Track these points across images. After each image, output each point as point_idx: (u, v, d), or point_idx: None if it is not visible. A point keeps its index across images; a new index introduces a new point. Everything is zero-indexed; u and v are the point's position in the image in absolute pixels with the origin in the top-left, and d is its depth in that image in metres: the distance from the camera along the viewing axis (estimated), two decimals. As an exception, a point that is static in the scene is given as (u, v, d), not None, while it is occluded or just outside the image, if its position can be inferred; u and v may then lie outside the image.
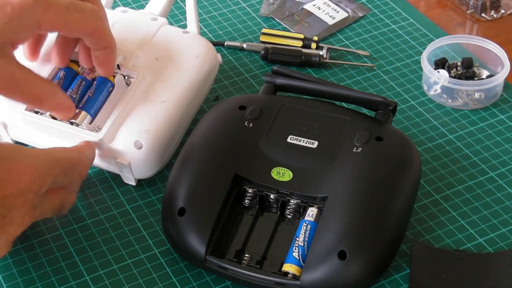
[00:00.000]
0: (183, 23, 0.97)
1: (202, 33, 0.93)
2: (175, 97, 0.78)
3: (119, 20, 0.84)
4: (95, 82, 0.77)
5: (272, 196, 0.70)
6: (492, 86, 0.85)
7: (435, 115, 0.85)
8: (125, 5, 1.01)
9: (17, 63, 0.68)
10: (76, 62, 0.82)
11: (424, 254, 0.70)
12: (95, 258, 0.72)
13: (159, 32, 0.83)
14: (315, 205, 0.69)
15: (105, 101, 0.77)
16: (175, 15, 1.00)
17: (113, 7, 0.89)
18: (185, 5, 0.89)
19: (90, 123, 0.76)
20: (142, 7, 0.97)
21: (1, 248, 0.65)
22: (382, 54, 0.93)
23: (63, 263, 0.72)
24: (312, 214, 0.68)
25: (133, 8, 0.98)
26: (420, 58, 0.89)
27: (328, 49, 0.93)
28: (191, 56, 0.82)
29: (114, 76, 0.78)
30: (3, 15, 0.65)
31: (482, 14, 0.98)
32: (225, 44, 0.95)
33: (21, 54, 0.75)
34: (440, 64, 0.89)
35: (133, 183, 0.78)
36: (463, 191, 0.77)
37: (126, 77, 0.79)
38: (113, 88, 0.78)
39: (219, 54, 0.85)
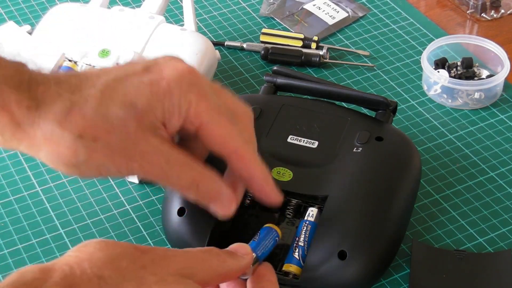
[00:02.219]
0: (178, 18, 0.97)
1: (202, 33, 0.93)
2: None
3: (116, 19, 0.84)
4: (259, 233, 0.64)
5: (272, 196, 0.70)
6: (492, 86, 0.85)
7: (435, 115, 0.85)
8: (121, 3, 1.01)
9: (171, 143, 0.59)
10: (76, 62, 0.81)
11: (424, 254, 0.70)
12: (95, 258, 0.72)
13: (157, 30, 0.83)
14: (315, 205, 0.69)
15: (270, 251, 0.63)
16: (173, 14, 1.00)
17: (110, 6, 0.89)
18: (182, 1, 0.89)
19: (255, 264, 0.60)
20: (138, 6, 0.98)
21: None
22: (382, 54, 0.93)
23: (63, 263, 0.72)
24: (312, 214, 0.68)
25: (130, 7, 0.98)
26: (420, 58, 0.89)
27: (328, 49, 0.93)
28: (190, 53, 0.82)
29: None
30: (157, 90, 0.57)
31: (482, 14, 0.98)
32: (225, 44, 0.95)
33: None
34: (440, 64, 0.89)
35: (136, 181, 0.78)
36: (463, 191, 0.77)
37: (126, 77, 0.79)
38: (279, 238, 0.64)
39: (217, 51, 0.85)
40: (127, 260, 0.51)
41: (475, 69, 0.89)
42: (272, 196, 0.64)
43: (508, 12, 0.99)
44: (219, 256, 0.55)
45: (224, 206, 0.62)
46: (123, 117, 0.56)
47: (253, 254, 0.59)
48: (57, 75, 0.58)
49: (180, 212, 0.69)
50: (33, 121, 0.56)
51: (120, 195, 0.78)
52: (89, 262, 0.50)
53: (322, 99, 0.78)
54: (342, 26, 0.97)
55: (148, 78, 0.58)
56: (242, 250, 0.58)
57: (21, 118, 0.56)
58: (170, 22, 0.97)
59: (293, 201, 0.70)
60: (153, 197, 0.77)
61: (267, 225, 0.65)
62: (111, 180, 0.79)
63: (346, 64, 0.92)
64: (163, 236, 0.73)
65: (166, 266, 0.52)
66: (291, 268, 0.66)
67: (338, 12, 0.99)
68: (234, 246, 0.58)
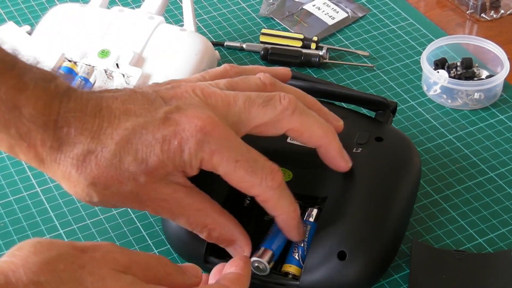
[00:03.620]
0: (177, 19, 0.97)
1: (202, 34, 0.93)
2: (175, 96, 0.78)
3: (116, 20, 0.84)
4: (273, 224, 0.67)
5: (272, 197, 0.70)
6: (491, 86, 0.85)
7: (434, 115, 0.85)
8: (121, 4, 1.01)
9: (187, 190, 0.62)
10: (75, 62, 0.82)
11: (424, 254, 0.70)
12: (95, 258, 0.72)
13: (157, 30, 0.84)
14: (315, 206, 0.69)
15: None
16: (172, 14, 1.00)
17: (109, 6, 0.89)
18: (181, 2, 0.89)
19: (270, 261, 0.66)
20: (138, 6, 0.98)
21: None
22: (381, 54, 0.93)
23: (63, 263, 0.72)
24: (312, 215, 0.68)
25: (130, 7, 0.98)
26: (419, 58, 0.89)
27: (328, 49, 0.93)
28: (189, 53, 0.82)
29: None
30: (168, 148, 0.59)
31: (481, 14, 0.98)
32: (225, 44, 0.95)
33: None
34: (439, 64, 0.89)
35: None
36: (462, 192, 0.77)
37: (125, 76, 0.79)
38: None
39: (217, 51, 0.85)
40: (64, 262, 0.50)
41: (475, 70, 0.89)
42: (295, 236, 0.66)
43: (508, 13, 0.99)
44: (167, 267, 0.55)
45: (237, 253, 0.65)
46: (134, 171, 0.59)
47: (203, 275, 0.58)
48: (83, 113, 0.60)
49: (180, 212, 0.69)
50: (54, 160, 0.61)
51: (120, 196, 0.77)
52: (24, 268, 0.49)
53: (321, 99, 0.78)
54: (341, 27, 0.97)
55: (161, 134, 0.60)
56: (192, 271, 0.58)
57: (44, 156, 0.61)
58: (170, 23, 0.97)
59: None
60: (153, 198, 0.77)
61: None
62: (111, 181, 0.79)
63: (346, 64, 0.92)
64: (163, 237, 0.73)
65: (106, 264, 0.51)
66: (290, 268, 0.66)
67: (337, 12, 0.99)
68: (186, 265, 0.59)
